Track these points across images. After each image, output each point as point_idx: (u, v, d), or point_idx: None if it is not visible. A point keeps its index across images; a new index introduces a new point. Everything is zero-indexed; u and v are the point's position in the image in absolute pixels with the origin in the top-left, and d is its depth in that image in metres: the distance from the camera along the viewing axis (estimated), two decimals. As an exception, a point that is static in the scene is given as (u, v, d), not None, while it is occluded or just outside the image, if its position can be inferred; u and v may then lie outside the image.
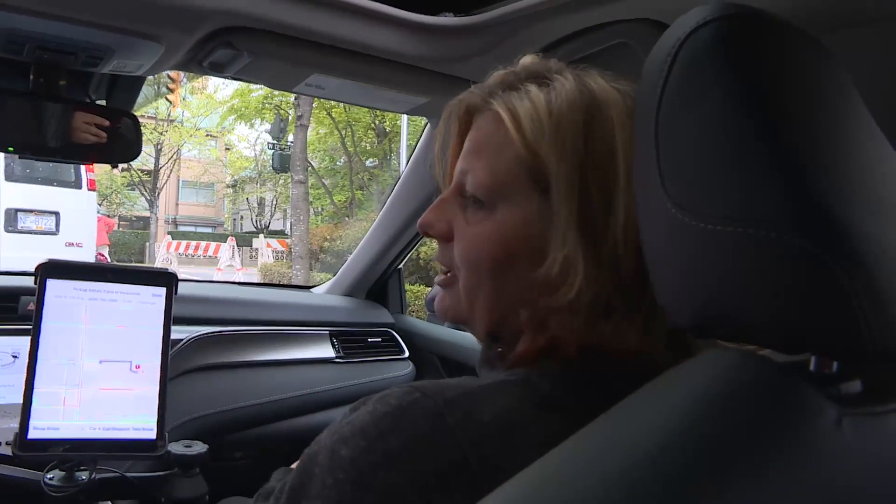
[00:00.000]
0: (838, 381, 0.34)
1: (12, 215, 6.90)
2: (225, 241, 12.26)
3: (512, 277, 0.50)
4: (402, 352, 1.64)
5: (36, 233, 7.01)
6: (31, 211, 7.01)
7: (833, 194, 0.33)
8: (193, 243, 12.90)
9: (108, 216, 14.81)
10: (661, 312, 0.41)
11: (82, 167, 7.12)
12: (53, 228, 7.12)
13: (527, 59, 0.56)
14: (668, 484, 0.30)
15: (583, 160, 0.47)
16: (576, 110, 0.48)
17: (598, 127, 0.48)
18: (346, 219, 12.31)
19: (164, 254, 12.05)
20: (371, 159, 13.17)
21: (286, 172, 12.42)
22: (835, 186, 0.34)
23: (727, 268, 0.35)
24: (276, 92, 11.40)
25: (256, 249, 14.29)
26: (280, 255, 12.55)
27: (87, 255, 7.26)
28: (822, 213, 0.33)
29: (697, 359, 0.37)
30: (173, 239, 13.28)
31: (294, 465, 0.61)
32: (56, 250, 6.70)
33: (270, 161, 13.00)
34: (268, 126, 13.16)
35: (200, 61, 0.93)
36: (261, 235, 15.60)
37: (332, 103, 10.89)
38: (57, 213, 7.13)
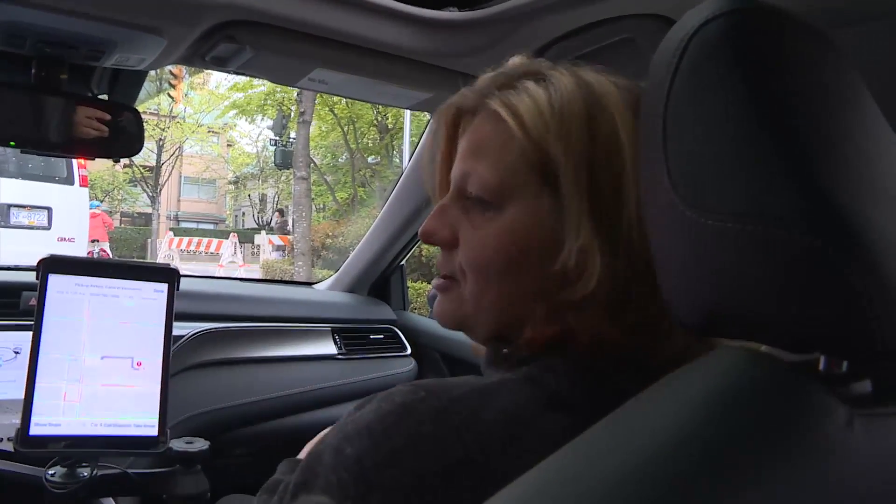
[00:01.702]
0: (848, 381, 0.34)
1: (5, 210, 6.90)
2: (227, 238, 12.25)
3: (525, 275, 0.50)
4: (405, 349, 1.64)
5: (28, 228, 7.00)
6: (23, 206, 7.00)
7: (843, 191, 0.33)
8: (195, 240, 12.88)
9: (110, 213, 14.81)
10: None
11: (74, 163, 7.12)
12: (46, 223, 7.11)
13: (516, 60, 0.56)
14: (675, 485, 0.29)
15: (589, 151, 0.47)
16: (576, 103, 0.48)
17: (600, 118, 0.48)
18: (349, 216, 12.31)
19: (165, 250, 12.08)
20: (373, 156, 13.16)
21: (288, 169, 12.44)
22: (845, 183, 0.33)
23: (735, 265, 0.35)
24: (279, 88, 11.41)
25: (258, 246, 14.29)
26: (281, 250, 12.56)
27: (79, 250, 7.25)
28: (833, 211, 0.32)
29: (705, 358, 0.36)
30: (175, 235, 13.29)
31: (300, 456, 0.61)
32: (48, 245, 6.69)
33: (272, 157, 13.01)
34: (270, 122, 13.16)
35: (203, 55, 0.92)
36: (262, 232, 15.60)
37: (335, 99, 10.88)
38: (49, 209, 7.12)
